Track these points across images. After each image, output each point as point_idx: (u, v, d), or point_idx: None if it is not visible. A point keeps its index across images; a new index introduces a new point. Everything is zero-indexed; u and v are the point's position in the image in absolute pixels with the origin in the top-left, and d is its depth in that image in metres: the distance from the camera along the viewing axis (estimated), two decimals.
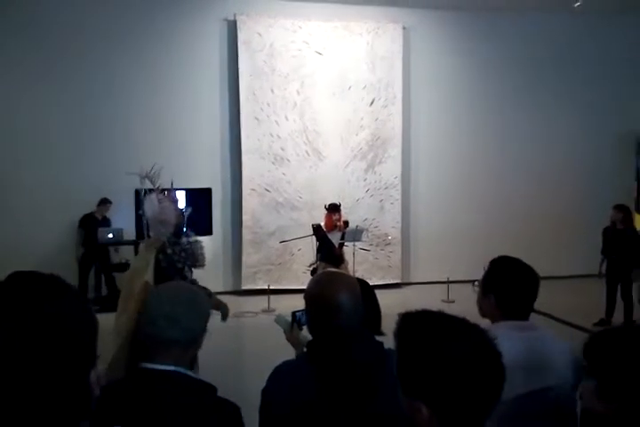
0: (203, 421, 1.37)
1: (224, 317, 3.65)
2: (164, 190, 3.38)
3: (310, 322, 1.54)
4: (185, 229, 3.61)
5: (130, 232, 7.51)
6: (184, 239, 3.50)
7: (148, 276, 2.88)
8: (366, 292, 1.86)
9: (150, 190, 3.42)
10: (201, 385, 1.45)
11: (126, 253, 7.73)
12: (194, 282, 3.49)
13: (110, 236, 7.58)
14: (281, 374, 1.54)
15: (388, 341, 1.82)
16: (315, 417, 1.41)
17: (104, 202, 7.74)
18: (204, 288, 3.40)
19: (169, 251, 3.39)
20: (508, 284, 1.73)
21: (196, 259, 3.55)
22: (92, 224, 7.61)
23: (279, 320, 1.90)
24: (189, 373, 1.46)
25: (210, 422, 1.38)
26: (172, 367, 1.42)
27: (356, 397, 1.39)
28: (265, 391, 1.53)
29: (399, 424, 1.02)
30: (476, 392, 0.96)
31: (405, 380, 1.01)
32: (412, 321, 1.04)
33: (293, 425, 1.44)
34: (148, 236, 3.32)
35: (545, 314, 6.99)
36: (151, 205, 3.21)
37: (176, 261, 3.40)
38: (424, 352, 0.98)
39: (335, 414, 1.39)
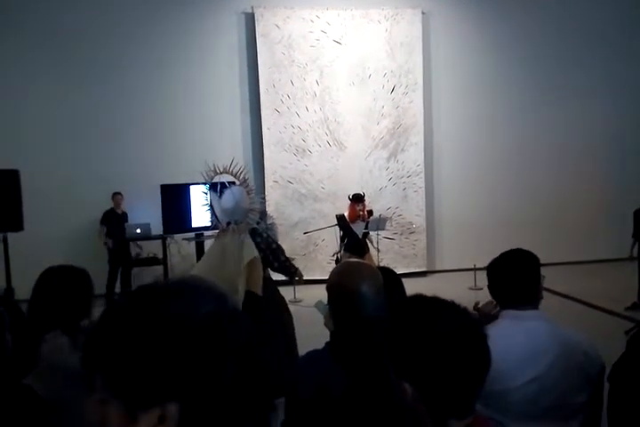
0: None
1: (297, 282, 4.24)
2: (244, 183, 3.71)
3: (332, 312, 1.54)
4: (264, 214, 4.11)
5: (156, 227, 7.63)
6: (263, 224, 3.94)
7: (254, 252, 3.35)
8: (392, 280, 1.85)
9: (229, 183, 3.75)
10: None
11: (154, 247, 7.84)
12: (290, 259, 4.02)
13: (138, 231, 7.69)
14: (305, 364, 1.56)
15: None
16: (338, 407, 1.42)
17: (115, 195, 7.72)
18: (293, 265, 4.05)
19: (264, 235, 3.86)
20: (493, 277, 1.77)
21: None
22: (114, 219, 7.62)
23: (318, 305, 1.92)
24: None
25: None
26: None
27: (378, 387, 1.39)
28: (290, 382, 1.55)
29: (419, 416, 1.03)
30: (458, 372, 0.97)
31: (393, 361, 1.03)
32: (402, 305, 1.08)
33: (317, 414, 1.46)
34: (227, 224, 3.65)
35: (576, 299, 6.89)
36: (234, 196, 3.55)
37: (271, 242, 3.88)
38: (409, 332, 1.01)
39: (357, 404, 1.40)
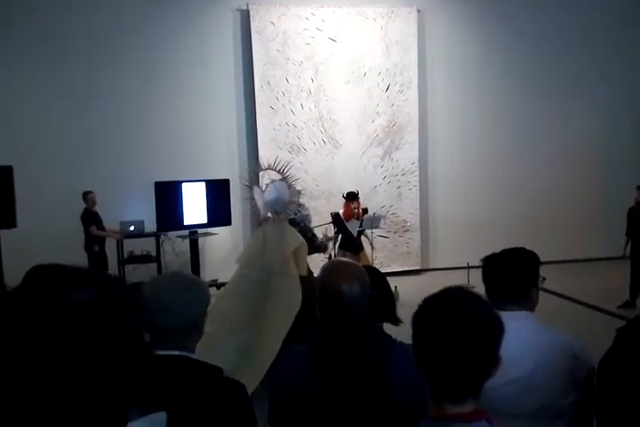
0: (208, 400, 1.39)
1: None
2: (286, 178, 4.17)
3: (319, 311, 1.54)
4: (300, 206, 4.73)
5: (150, 224, 7.60)
6: (300, 215, 4.52)
7: (300, 239, 3.93)
8: (377, 279, 1.84)
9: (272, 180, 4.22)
10: (205, 367, 1.48)
11: (148, 245, 7.81)
12: (324, 242, 4.84)
13: (132, 228, 7.66)
14: (287, 362, 1.56)
15: (406, 329, 1.82)
16: (316, 406, 1.41)
17: (89, 193, 7.22)
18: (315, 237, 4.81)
19: (302, 224, 4.45)
20: (485, 274, 1.76)
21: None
22: (97, 220, 7.27)
23: None
24: (193, 356, 1.49)
25: (215, 401, 1.40)
26: (176, 352, 1.45)
27: (357, 389, 1.38)
28: (272, 378, 1.56)
29: (405, 418, 1.03)
30: (459, 357, 1.01)
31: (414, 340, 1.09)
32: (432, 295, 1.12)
33: (297, 412, 1.46)
34: (270, 216, 4.12)
35: (568, 297, 6.93)
36: (276, 190, 4.01)
37: (307, 231, 4.46)
38: (431, 314, 1.07)
39: (335, 404, 1.39)
